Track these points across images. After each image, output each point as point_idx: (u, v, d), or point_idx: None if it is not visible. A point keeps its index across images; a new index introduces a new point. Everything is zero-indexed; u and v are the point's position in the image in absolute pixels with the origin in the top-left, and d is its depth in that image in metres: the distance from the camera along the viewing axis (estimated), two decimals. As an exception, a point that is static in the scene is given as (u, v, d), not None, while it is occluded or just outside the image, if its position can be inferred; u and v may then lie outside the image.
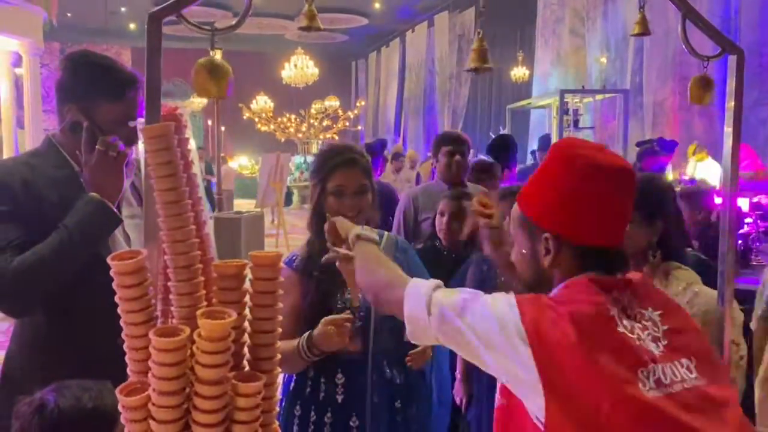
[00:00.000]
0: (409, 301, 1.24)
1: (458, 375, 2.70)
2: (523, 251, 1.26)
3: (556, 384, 1.06)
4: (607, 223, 1.19)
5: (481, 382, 2.53)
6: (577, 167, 1.18)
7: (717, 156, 8.05)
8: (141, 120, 1.24)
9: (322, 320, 1.74)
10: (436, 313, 1.19)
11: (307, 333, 1.77)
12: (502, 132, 10.30)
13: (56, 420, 1.21)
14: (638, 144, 7.20)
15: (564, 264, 1.20)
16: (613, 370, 1.06)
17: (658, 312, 1.18)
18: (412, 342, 1.27)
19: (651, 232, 1.81)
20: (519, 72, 12.57)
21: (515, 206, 1.29)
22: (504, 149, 4.37)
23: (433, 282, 1.25)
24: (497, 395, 1.26)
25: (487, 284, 2.49)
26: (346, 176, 1.87)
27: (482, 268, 2.54)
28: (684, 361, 1.14)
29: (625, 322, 1.12)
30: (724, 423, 1.10)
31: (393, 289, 1.30)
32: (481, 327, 1.14)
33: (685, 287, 1.79)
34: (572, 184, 1.18)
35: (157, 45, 1.12)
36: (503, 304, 1.14)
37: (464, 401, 2.71)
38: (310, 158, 13.34)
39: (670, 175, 7.12)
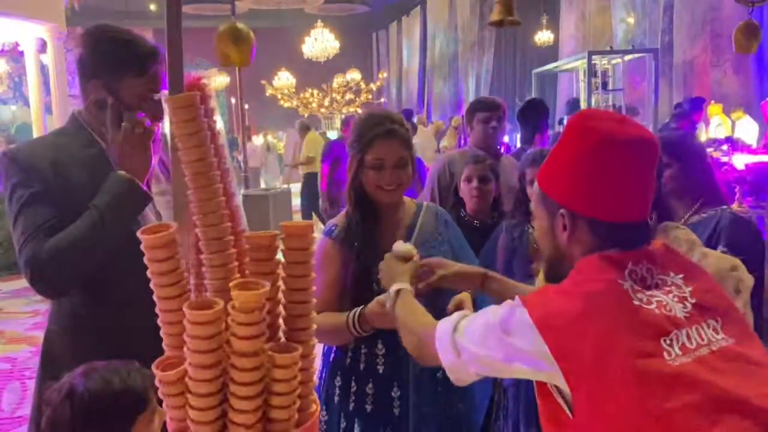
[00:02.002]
0: (442, 354, 1.24)
1: None
2: (543, 227, 1.24)
3: (576, 369, 1.04)
4: (625, 198, 1.15)
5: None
6: (592, 140, 1.14)
7: (752, 114, 7.83)
8: (165, 92, 1.22)
9: (376, 299, 1.70)
10: (465, 353, 1.20)
11: (359, 309, 1.74)
12: (527, 98, 10.14)
13: (87, 404, 1.21)
14: (676, 107, 7.03)
15: (582, 241, 1.17)
16: (633, 343, 1.03)
17: (681, 275, 1.15)
18: (456, 384, 1.29)
19: None
20: (543, 36, 12.32)
21: (536, 182, 1.26)
22: (534, 114, 4.26)
23: (454, 320, 1.26)
24: (537, 396, 1.23)
25: (518, 252, 2.45)
26: (385, 148, 1.80)
27: (513, 236, 2.50)
28: (711, 321, 1.11)
29: (640, 295, 1.09)
30: (758, 382, 1.06)
31: (428, 345, 1.30)
32: (503, 349, 1.13)
33: (688, 249, 1.76)
34: (587, 159, 1.14)
35: (177, 9, 1.09)
36: (509, 311, 1.13)
37: None
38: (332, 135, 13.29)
39: (703, 135, 6.94)
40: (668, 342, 1.04)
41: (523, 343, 1.09)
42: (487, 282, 1.70)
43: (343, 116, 15.81)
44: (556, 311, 1.08)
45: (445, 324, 1.27)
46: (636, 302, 1.07)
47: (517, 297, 1.14)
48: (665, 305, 1.08)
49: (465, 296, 1.83)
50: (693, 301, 1.11)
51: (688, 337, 1.06)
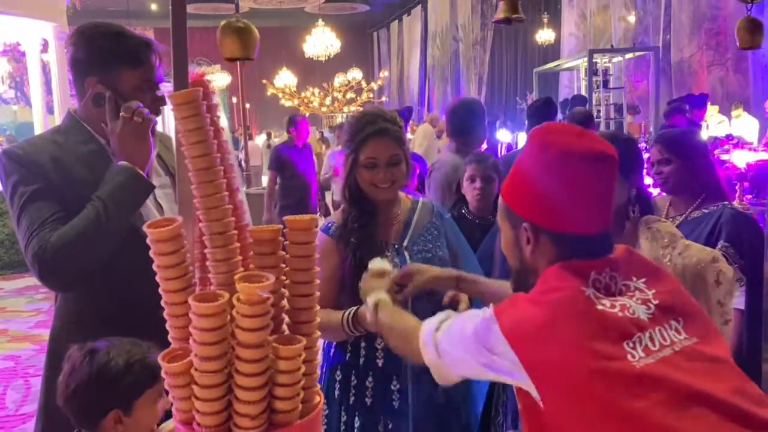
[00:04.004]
0: (424, 351, 1.28)
1: None
2: (508, 240, 1.26)
3: (545, 378, 1.07)
4: (585, 210, 1.16)
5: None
6: (551, 154, 1.15)
7: (751, 112, 7.83)
8: (167, 85, 1.23)
9: (361, 310, 1.73)
10: (445, 356, 1.24)
11: (353, 309, 1.77)
12: (528, 96, 10.14)
13: (103, 364, 1.30)
14: (669, 103, 7.05)
15: (545, 253, 1.18)
16: (597, 348, 1.05)
17: (643, 279, 1.17)
18: (441, 383, 1.32)
19: (626, 187, 1.80)
20: (544, 35, 12.32)
21: (500, 197, 1.28)
22: (545, 112, 4.23)
23: (437, 320, 1.29)
24: (518, 400, 1.25)
25: None
26: (378, 147, 1.83)
27: None
28: (673, 323, 1.13)
29: (604, 300, 1.10)
30: (720, 378, 1.09)
31: (412, 343, 1.34)
32: (477, 354, 1.16)
33: (669, 241, 1.80)
34: (546, 172, 1.16)
35: (182, 6, 1.10)
36: (482, 322, 1.16)
37: None
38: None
39: (704, 133, 6.95)
40: (631, 345, 1.07)
41: (496, 352, 1.12)
42: (461, 284, 1.74)
43: (344, 116, 15.81)
44: (523, 320, 1.10)
45: (429, 323, 1.30)
46: (599, 307, 1.09)
47: (490, 307, 1.16)
48: (629, 308, 1.10)
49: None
50: (656, 302, 1.13)
51: (651, 339, 1.09)
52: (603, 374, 1.03)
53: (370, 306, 1.57)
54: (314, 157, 6.71)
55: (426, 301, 1.82)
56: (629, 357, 1.05)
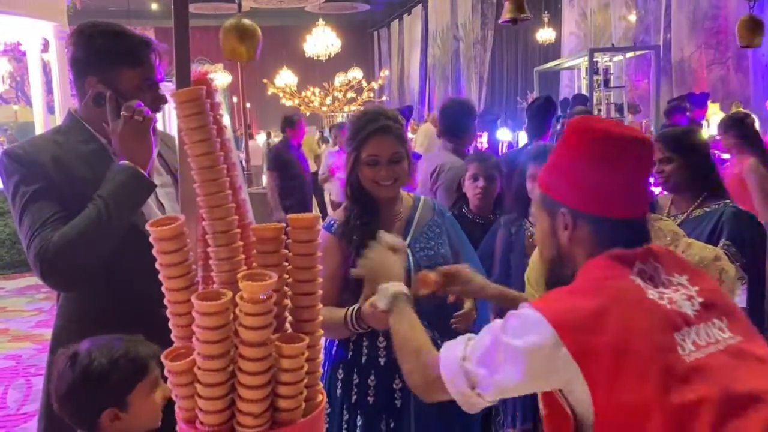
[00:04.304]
0: (450, 383, 1.18)
1: None
2: (544, 229, 1.25)
3: (595, 366, 1.04)
4: (624, 194, 1.16)
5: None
6: (590, 138, 1.17)
7: (751, 111, 7.81)
8: (169, 85, 1.23)
9: (370, 302, 1.71)
10: (481, 383, 1.14)
11: (357, 306, 1.77)
12: (529, 96, 10.12)
13: (85, 366, 1.28)
14: (669, 102, 7.04)
15: (583, 239, 1.18)
16: (650, 337, 1.04)
17: (685, 276, 1.16)
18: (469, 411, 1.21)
19: None
20: (545, 34, 12.31)
21: (536, 185, 1.28)
22: (546, 110, 4.20)
23: (459, 349, 1.19)
24: (540, 405, 1.24)
25: (515, 247, 2.47)
26: (379, 145, 1.84)
27: (510, 231, 2.52)
28: (716, 321, 1.12)
29: (652, 291, 1.10)
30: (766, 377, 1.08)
31: (432, 375, 1.23)
32: (518, 360, 1.08)
33: (671, 239, 1.80)
34: (586, 156, 1.17)
35: (184, 4, 1.10)
36: (521, 319, 1.10)
37: None
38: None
39: (705, 132, 6.94)
40: (681, 337, 1.06)
41: (537, 348, 1.06)
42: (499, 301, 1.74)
43: (344, 115, 15.79)
44: (571, 309, 1.07)
45: (450, 352, 1.20)
46: (650, 296, 1.09)
47: (524, 303, 1.13)
48: (675, 302, 1.10)
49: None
50: (700, 300, 1.12)
51: (698, 334, 1.08)
52: (656, 363, 1.02)
53: (387, 295, 1.44)
54: (307, 157, 6.68)
55: (429, 300, 1.83)
56: (679, 349, 1.05)
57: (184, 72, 1.12)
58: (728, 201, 2.32)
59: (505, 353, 1.10)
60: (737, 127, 3.96)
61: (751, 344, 1.13)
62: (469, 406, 1.19)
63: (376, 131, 1.83)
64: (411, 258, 1.88)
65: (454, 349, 1.20)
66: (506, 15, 2.58)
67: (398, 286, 1.46)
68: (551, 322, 1.06)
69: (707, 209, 2.27)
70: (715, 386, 1.03)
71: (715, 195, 2.31)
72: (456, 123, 3.50)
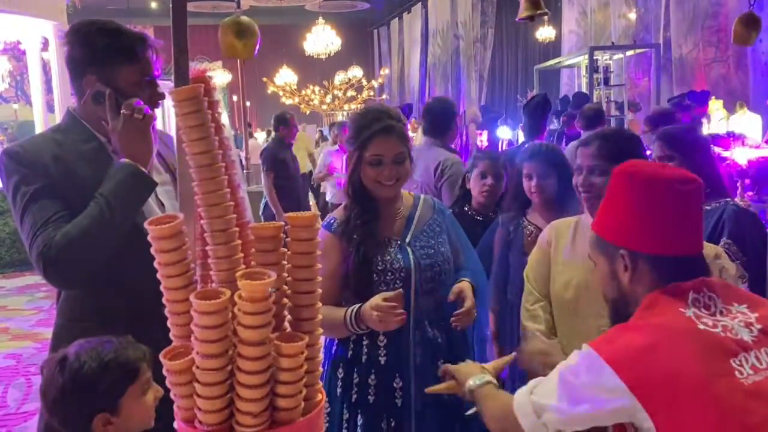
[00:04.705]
0: (521, 418, 1.24)
1: (489, 334, 2.70)
2: (604, 272, 1.30)
3: (652, 397, 1.08)
4: (680, 231, 1.22)
5: (513, 343, 2.52)
6: (642, 181, 1.23)
7: (750, 109, 7.80)
8: (169, 83, 1.22)
9: (369, 304, 1.74)
10: (544, 414, 1.20)
11: (357, 306, 1.77)
12: (529, 94, 10.11)
13: (76, 370, 1.26)
14: (669, 100, 7.03)
15: (643, 279, 1.23)
16: (703, 366, 1.07)
17: (745, 305, 1.20)
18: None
19: None
20: (545, 32, 12.29)
21: (591, 232, 1.34)
22: (542, 109, 4.22)
23: (530, 385, 1.26)
24: None
25: (514, 245, 2.47)
26: (383, 145, 1.83)
27: (508, 229, 2.53)
28: None
29: (705, 320, 1.14)
30: None
31: (509, 416, 1.28)
32: (580, 396, 1.15)
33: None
34: (640, 199, 1.23)
35: (182, 2, 1.09)
36: (581, 359, 1.17)
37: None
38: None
39: (705, 128, 6.93)
40: (738, 362, 1.09)
41: (597, 384, 1.12)
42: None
43: (344, 114, 15.77)
44: (624, 345, 1.13)
45: (522, 390, 1.28)
46: (701, 326, 1.12)
47: (584, 344, 1.18)
48: (731, 329, 1.13)
49: (465, 285, 1.84)
50: (759, 326, 1.15)
51: (758, 358, 1.11)
52: (713, 389, 1.05)
53: (473, 384, 1.46)
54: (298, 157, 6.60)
55: (429, 298, 1.83)
56: (737, 374, 1.08)
57: (182, 70, 1.12)
58: (729, 199, 2.31)
59: (568, 389, 1.17)
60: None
61: None
62: None
63: (381, 131, 1.83)
64: (411, 256, 1.88)
65: (525, 387, 1.29)
66: (522, 13, 2.54)
67: (484, 377, 1.48)
68: (606, 360, 1.11)
69: (708, 207, 2.27)
70: None
71: (716, 193, 2.30)
72: (439, 121, 3.61)
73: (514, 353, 1.72)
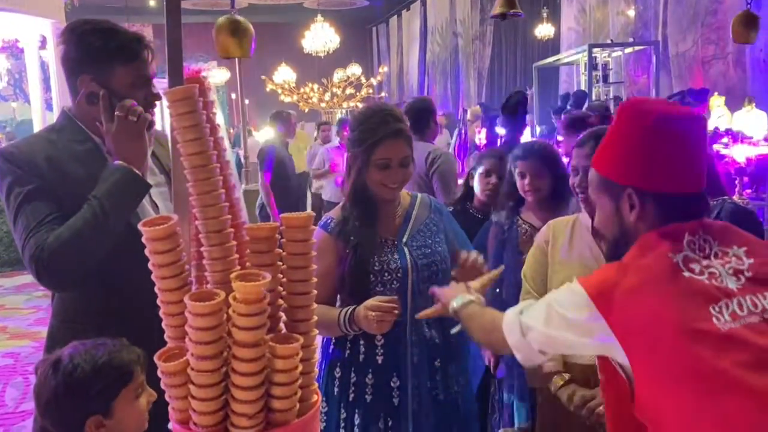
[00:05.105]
0: (508, 335, 1.32)
1: None
2: (607, 211, 1.30)
3: (632, 340, 1.12)
4: (686, 169, 1.23)
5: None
6: (649, 119, 1.22)
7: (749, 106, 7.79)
8: (164, 83, 1.21)
9: (366, 305, 1.74)
10: (530, 333, 1.28)
11: (351, 308, 1.77)
12: (528, 91, 10.10)
13: (69, 372, 1.25)
14: (669, 98, 7.03)
15: (648, 217, 1.23)
16: (683, 311, 1.09)
17: (744, 248, 1.20)
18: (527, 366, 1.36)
19: None
20: (544, 29, 12.28)
21: (592, 171, 1.34)
22: (521, 109, 4.26)
23: (520, 306, 1.35)
24: (599, 373, 1.31)
25: (508, 243, 2.46)
26: (392, 149, 1.82)
27: (503, 227, 2.52)
28: (767, 293, 1.15)
29: (694, 265, 1.15)
30: None
31: (495, 331, 1.37)
32: (564, 325, 1.22)
33: None
34: (647, 137, 1.22)
35: (176, 1, 1.09)
36: (568, 293, 1.23)
37: (492, 361, 2.70)
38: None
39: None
40: (717, 309, 1.11)
41: (580, 319, 1.18)
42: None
43: (343, 112, 15.76)
44: (610, 285, 1.16)
45: (511, 309, 1.36)
46: (686, 274, 1.14)
47: (574, 278, 1.23)
48: (717, 276, 1.15)
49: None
50: (749, 274, 1.16)
51: (740, 305, 1.12)
52: (688, 333, 1.08)
53: (456, 305, 1.53)
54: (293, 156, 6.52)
55: (426, 298, 1.82)
56: (714, 320, 1.10)
57: (176, 70, 1.11)
58: (727, 197, 2.31)
59: (554, 316, 1.23)
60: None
61: None
62: (526, 359, 1.32)
63: (389, 135, 1.82)
64: (408, 256, 1.88)
65: (516, 307, 1.36)
66: (496, 9, 2.56)
67: (468, 296, 1.55)
68: (592, 299, 1.16)
69: (706, 205, 2.27)
70: (746, 352, 1.07)
71: (713, 191, 2.30)
72: (420, 119, 3.78)
73: (501, 267, 1.79)
